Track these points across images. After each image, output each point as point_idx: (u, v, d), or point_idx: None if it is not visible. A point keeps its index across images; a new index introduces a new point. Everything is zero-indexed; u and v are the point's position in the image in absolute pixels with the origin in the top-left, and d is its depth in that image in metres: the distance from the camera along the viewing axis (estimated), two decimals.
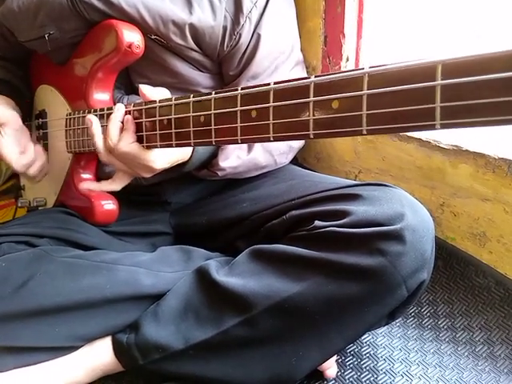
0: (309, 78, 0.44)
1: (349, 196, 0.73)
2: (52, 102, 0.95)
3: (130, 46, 0.75)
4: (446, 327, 0.93)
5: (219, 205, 0.91)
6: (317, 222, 0.71)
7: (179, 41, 0.79)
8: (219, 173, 0.85)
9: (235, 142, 0.52)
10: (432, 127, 0.35)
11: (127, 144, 0.67)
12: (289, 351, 0.69)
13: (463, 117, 0.33)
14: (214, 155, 0.84)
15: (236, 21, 0.80)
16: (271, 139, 0.48)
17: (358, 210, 0.68)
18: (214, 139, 0.55)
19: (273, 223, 0.81)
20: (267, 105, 0.47)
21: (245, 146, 0.86)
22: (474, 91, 0.32)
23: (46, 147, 0.97)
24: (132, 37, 0.75)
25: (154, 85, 0.84)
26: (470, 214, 0.96)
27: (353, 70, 0.40)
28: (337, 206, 0.72)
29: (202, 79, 0.86)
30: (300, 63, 0.99)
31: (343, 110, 0.41)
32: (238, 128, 0.51)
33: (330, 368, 0.81)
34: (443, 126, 0.35)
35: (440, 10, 1.03)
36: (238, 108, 0.51)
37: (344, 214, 0.68)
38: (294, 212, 0.77)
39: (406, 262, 0.64)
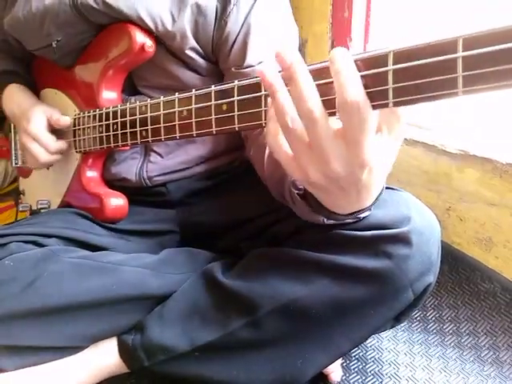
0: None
1: None
2: (57, 104, 0.95)
3: (142, 46, 0.77)
4: (451, 332, 0.92)
5: (225, 206, 0.91)
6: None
7: (178, 39, 0.79)
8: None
9: (259, 127, 0.53)
10: (455, 95, 0.38)
11: None
12: (294, 353, 0.69)
13: (483, 83, 0.36)
14: None
15: (224, 7, 0.78)
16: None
17: None
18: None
19: (278, 225, 0.81)
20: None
21: None
22: (491, 60, 0.36)
23: None
24: (144, 37, 0.78)
25: (153, 87, 0.85)
26: (476, 218, 0.96)
27: (378, 50, 0.42)
28: None
29: (200, 83, 0.86)
30: None
31: (369, 86, 0.42)
32: (263, 112, 0.52)
33: (335, 371, 0.81)
34: (465, 93, 0.37)
35: (448, 13, 1.04)
36: (263, 93, 0.52)
37: None
38: None
39: (413, 265, 0.64)
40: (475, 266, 0.98)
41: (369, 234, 0.65)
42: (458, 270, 1.00)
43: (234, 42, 0.79)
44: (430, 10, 1.07)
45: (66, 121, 0.89)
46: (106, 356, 0.75)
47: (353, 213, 0.58)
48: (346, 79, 0.41)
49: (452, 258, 1.01)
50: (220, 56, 0.82)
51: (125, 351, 0.75)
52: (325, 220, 0.63)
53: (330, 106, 0.44)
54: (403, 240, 0.64)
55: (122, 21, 0.79)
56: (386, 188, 0.73)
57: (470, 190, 0.95)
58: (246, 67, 0.79)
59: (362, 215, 0.62)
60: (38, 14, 0.82)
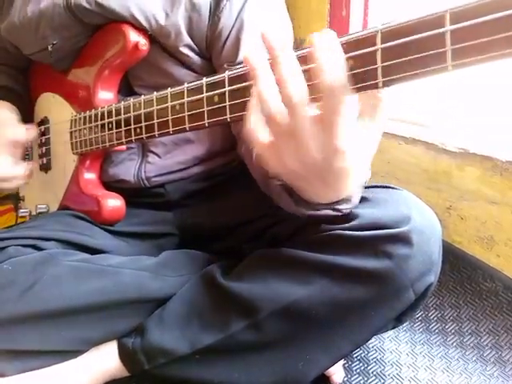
0: None
1: None
2: (55, 108, 0.96)
3: (136, 45, 0.77)
4: (453, 331, 0.92)
5: (224, 207, 0.91)
6: (322, 225, 0.70)
7: (172, 36, 0.79)
8: (346, 211, 0.67)
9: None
10: (444, 70, 0.38)
11: None
12: (295, 355, 0.69)
13: (472, 55, 0.36)
14: None
15: (217, 3, 0.78)
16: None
17: (364, 212, 0.67)
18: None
19: (277, 227, 0.81)
20: None
21: None
22: (479, 32, 0.36)
23: (48, 152, 0.99)
24: (138, 36, 0.78)
25: (149, 86, 0.85)
26: (477, 217, 0.96)
27: (366, 30, 0.43)
28: None
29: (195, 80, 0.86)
30: None
31: (357, 66, 0.43)
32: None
33: (337, 373, 0.80)
34: (455, 67, 0.37)
35: None
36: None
37: (350, 216, 0.68)
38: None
39: (413, 265, 0.63)
40: (476, 265, 0.97)
41: (368, 234, 0.64)
42: (460, 269, 1.00)
43: (227, 37, 0.79)
44: (428, 9, 1.06)
45: (25, 134, 0.90)
46: (106, 359, 0.75)
47: (332, 203, 0.58)
48: (325, 63, 0.42)
49: (453, 257, 1.00)
50: (213, 52, 0.82)
51: (125, 354, 0.74)
52: (304, 211, 0.62)
53: (316, 91, 0.45)
54: (403, 239, 0.63)
55: (116, 21, 0.79)
56: (386, 187, 0.74)
57: (471, 189, 0.94)
58: (239, 63, 0.78)
59: (342, 207, 0.62)
60: (34, 17, 0.82)
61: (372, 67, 0.42)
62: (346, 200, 0.59)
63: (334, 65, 0.42)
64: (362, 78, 0.43)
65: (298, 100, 0.44)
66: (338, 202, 0.59)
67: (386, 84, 0.42)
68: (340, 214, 0.64)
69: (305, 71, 0.45)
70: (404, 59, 0.40)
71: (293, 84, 0.44)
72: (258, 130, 0.49)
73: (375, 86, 0.42)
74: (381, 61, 0.41)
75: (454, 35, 0.37)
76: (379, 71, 0.41)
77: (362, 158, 0.51)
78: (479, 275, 0.97)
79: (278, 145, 0.48)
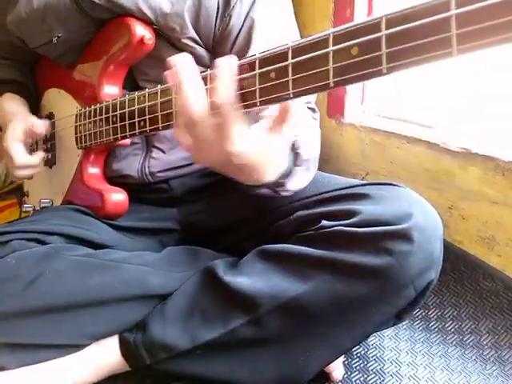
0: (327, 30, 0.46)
1: (356, 195, 0.73)
2: (60, 103, 0.96)
3: (142, 39, 0.77)
4: (453, 330, 0.92)
5: (226, 204, 0.91)
6: (324, 222, 0.71)
7: (178, 29, 0.79)
8: (283, 193, 0.73)
9: (254, 106, 0.54)
10: (449, 55, 0.37)
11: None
12: (296, 351, 0.69)
13: (477, 39, 0.35)
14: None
15: (227, 1, 0.78)
16: (291, 96, 0.50)
17: (366, 209, 0.67)
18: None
19: (280, 223, 0.81)
20: (286, 63, 0.49)
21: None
22: (485, 14, 0.35)
23: (53, 147, 0.99)
24: (143, 30, 0.78)
25: (154, 80, 0.85)
26: (479, 217, 0.96)
27: (370, 17, 0.43)
28: (344, 205, 0.72)
29: None
30: None
31: (362, 53, 0.43)
32: (257, 90, 0.53)
33: (337, 370, 0.80)
34: (460, 52, 0.37)
35: None
36: (257, 71, 0.52)
37: (351, 213, 0.68)
38: (301, 212, 0.77)
39: (414, 262, 0.63)
40: (477, 265, 0.98)
41: (369, 231, 0.65)
42: (460, 269, 1.00)
43: (237, 36, 0.79)
44: None
45: (38, 127, 0.90)
46: (107, 354, 0.75)
47: (260, 185, 0.64)
48: (220, 84, 0.50)
49: (454, 257, 1.00)
50: (220, 49, 0.82)
51: (126, 349, 0.75)
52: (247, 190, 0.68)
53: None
54: (404, 236, 0.63)
55: (122, 15, 0.79)
56: (388, 184, 0.74)
57: (473, 189, 0.95)
58: None
59: (279, 189, 0.69)
60: (40, 9, 0.83)
61: (376, 54, 0.42)
62: (278, 184, 0.65)
63: (225, 87, 0.50)
64: (365, 64, 0.43)
65: (198, 118, 0.52)
66: (262, 186, 0.65)
67: (390, 71, 0.42)
68: (278, 195, 0.71)
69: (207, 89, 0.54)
70: (408, 45, 0.40)
71: (193, 105, 0.52)
72: (181, 132, 0.57)
73: (380, 73, 0.42)
74: (385, 47, 0.41)
75: (460, 19, 0.36)
76: (383, 58, 0.41)
77: (266, 154, 0.57)
78: (480, 275, 0.97)
79: (195, 145, 0.56)
